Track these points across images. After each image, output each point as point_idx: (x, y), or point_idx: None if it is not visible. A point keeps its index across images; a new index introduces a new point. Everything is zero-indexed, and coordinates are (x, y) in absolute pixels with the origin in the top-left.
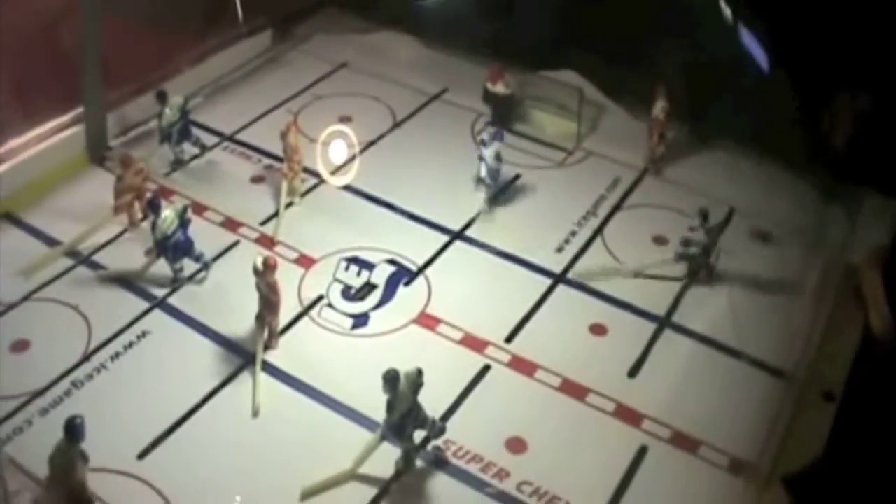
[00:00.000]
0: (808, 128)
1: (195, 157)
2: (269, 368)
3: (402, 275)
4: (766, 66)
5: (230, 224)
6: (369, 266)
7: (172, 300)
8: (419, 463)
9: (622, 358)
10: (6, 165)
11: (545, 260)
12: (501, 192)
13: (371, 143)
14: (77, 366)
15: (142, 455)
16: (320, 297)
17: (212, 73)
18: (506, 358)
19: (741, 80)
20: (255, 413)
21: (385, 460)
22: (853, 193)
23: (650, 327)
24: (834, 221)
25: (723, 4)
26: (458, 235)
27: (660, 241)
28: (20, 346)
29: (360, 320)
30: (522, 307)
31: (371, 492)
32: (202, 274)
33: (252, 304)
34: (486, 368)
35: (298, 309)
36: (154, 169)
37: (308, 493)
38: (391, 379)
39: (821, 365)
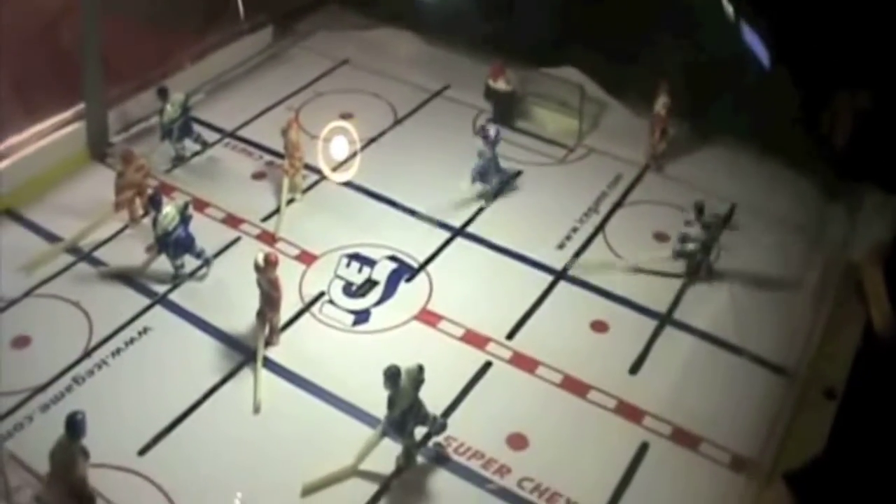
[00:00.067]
0: (808, 124)
1: (196, 153)
2: (270, 365)
3: (404, 271)
4: (767, 63)
5: (231, 220)
6: (370, 262)
7: (173, 296)
8: (420, 459)
9: (623, 355)
10: (7, 162)
11: (546, 257)
12: (502, 188)
13: (372, 140)
14: (78, 362)
15: (143, 451)
16: (321, 294)
17: (213, 69)
18: (507, 354)
19: (742, 77)
20: (256, 409)
21: (386, 457)
22: (854, 190)
23: (651, 324)
24: (835, 218)
25: (724, 2)
26: (460, 232)
27: (661, 237)
28: (21, 342)
29: (362, 317)
30: (524, 304)
31: (372, 488)
32: (203, 270)
33: (253, 301)
34: (488, 365)
35: (299, 305)
36: (155, 165)
37: (309, 490)
38: (392, 375)
39: (822, 362)
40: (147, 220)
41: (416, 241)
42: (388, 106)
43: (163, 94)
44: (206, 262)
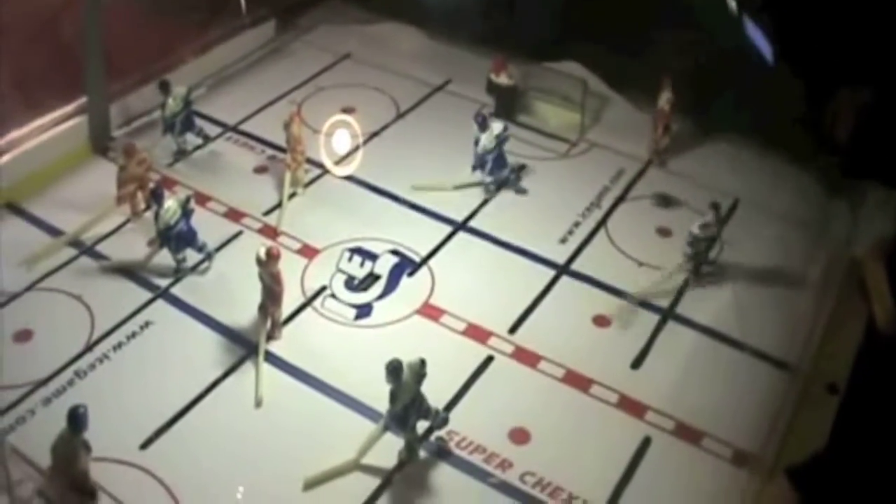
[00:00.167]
0: (811, 120)
1: (198, 147)
2: (271, 359)
3: (406, 265)
4: (769, 58)
5: (233, 214)
6: (373, 257)
7: (175, 290)
8: (422, 453)
9: (626, 349)
10: (8, 156)
11: (548, 251)
12: (506, 182)
13: (374, 134)
14: (80, 356)
15: (144, 445)
16: (323, 288)
17: (215, 63)
18: (509, 349)
19: (745, 72)
20: (258, 403)
21: (388, 451)
22: (857, 186)
23: (654, 319)
24: (838, 214)
25: None
26: (462, 226)
27: (664, 232)
28: (23, 335)
29: (364, 311)
30: (526, 298)
31: (374, 482)
32: (205, 264)
33: (255, 295)
34: (490, 359)
35: (301, 299)
36: (157, 159)
37: (311, 484)
38: (394, 369)
39: (824, 357)
40: (149, 214)
41: (418, 236)
42: (391, 100)
43: (165, 87)
44: (208, 256)
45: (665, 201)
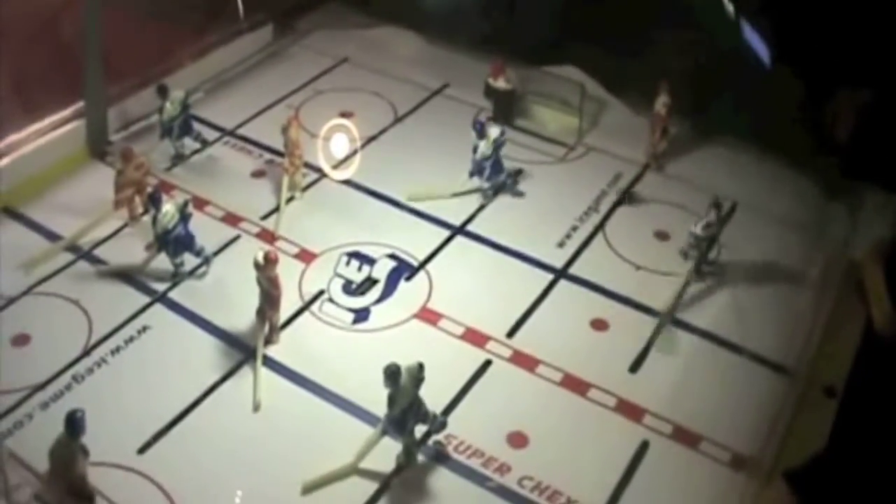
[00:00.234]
0: (810, 123)
1: (196, 151)
2: (269, 363)
3: (404, 269)
4: (768, 61)
5: (231, 219)
6: (370, 261)
7: (173, 295)
8: (420, 458)
9: (623, 353)
10: (6, 160)
11: (546, 255)
12: (503, 186)
13: (372, 138)
14: (78, 360)
15: (142, 449)
16: (321, 292)
17: (213, 67)
18: (507, 353)
19: (743, 75)
20: (256, 408)
21: (386, 455)
22: (855, 189)
23: (652, 322)
24: (836, 217)
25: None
26: (460, 230)
27: (661, 236)
28: (21, 340)
29: (361, 315)
30: (524, 302)
31: (372, 486)
32: (203, 268)
33: (253, 299)
34: (488, 363)
35: (299, 304)
36: (155, 163)
37: (309, 488)
38: (392, 373)
39: (822, 360)
40: (147, 219)
41: (416, 240)
42: (388, 104)
43: (162, 91)
44: (206, 261)
45: (630, 198)
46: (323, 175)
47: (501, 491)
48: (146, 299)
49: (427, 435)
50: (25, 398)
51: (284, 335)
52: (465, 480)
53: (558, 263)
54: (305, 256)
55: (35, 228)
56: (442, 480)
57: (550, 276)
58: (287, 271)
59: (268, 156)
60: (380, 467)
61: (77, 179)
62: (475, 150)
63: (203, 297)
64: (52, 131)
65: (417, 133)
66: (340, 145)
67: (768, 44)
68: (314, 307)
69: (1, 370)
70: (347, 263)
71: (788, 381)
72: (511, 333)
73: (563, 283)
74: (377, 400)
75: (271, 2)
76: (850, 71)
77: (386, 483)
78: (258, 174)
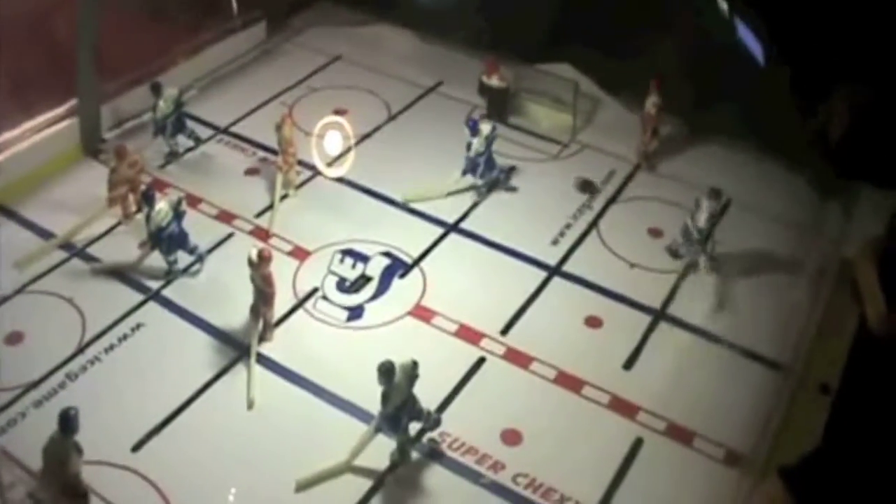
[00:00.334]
0: (804, 122)
1: (189, 149)
2: (263, 361)
3: (397, 267)
4: (762, 59)
5: (225, 216)
6: (364, 258)
7: (167, 292)
8: (414, 455)
9: (617, 350)
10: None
11: (540, 252)
12: (496, 184)
13: (366, 136)
14: (71, 358)
15: (136, 447)
16: (315, 290)
17: (206, 65)
18: (501, 350)
19: (737, 74)
20: (250, 405)
21: (380, 452)
22: (849, 188)
23: (645, 319)
24: (830, 215)
25: None
26: (453, 228)
27: (655, 233)
28: (14, 338)
29: (355, 312)
30: (517, 299)
31: (366, 484)
32: (196, 266)
33: (247, 297)
34: (482, 360)
35: (293, 301)
36: (148, 161)
37: (303, 485)
38: (386, 371)
39: (816, 357)
40: (140, 216)
41: (410, 237)
42: (382, 102)
43: (156, 89)
44: (200, 258)
45: (585, 186)
46: (317, 173)
47: (495, 488)
48: (140, 297)
49: (421, 432)
50: (19, 396)
51: (278, 333)
52: (460, 478)
53: (552, 261)
54: (299, 254)
55: (28, 226)
56: (436, 478)
57: (544, 274)
58: (281, 269)
59: (261, 153)
60: (374, 465)
61: (71, 177)
62: (469, 147)
63: (197, 295)
64: (45, 129)
65: (411, 131)
66: (334, 143)
67: (762, 42)
68: (308, 305)
69: None
70: (341, 261)
71: (782, 377)
72: (505, 331)
73: (556, 280)
74: (371, 397)
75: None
76: (844, 69)
77: (380, 480)
78: (252, 172)
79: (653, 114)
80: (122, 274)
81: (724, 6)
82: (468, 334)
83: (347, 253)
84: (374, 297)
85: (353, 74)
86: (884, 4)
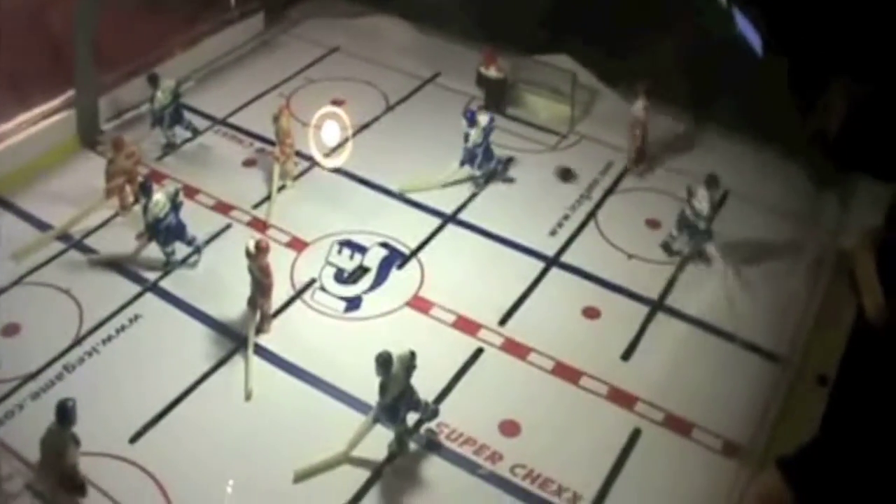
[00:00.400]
0: (802, 113)
1: (187, 140)
2: (261, 352)
3: (395, 258)
4: (760, 50)
5: (222, 207)
6: (362, 249)
7: (164, 284)
8: (412, 446)
9: (615, 341)
10: None
11: (538, 243)
12: (493, 175)
13: (364, 127)
14: (69, 349)
15: (134, 438)
16: (313, 281)
17: (204, 56)
18: (499, 341)
19: (735, 65)
20: (248, 396)
21: (378, 443)
22: (847, 178)
23: (643, 310)
24: (827, 206)
25: None
26: (451, 219)
27: (653, 224)
28: (11, 329)
29: (353, 303)
30: (515, 290)
31: (364, 475)
32: (194, 257)
33: (244, 288)
34: (480, 351)
35: (291, 292)
36: (146, 153)
37: (300, 476)
38: (384, 361)
39: (814, 348)
40: (138, 208)
41: (408, 228)
42: (380, 93)
43: (153, 81)
44: (197, 250)
45: (565, 174)
46: (314, 164)
47: (493, 479)
48: (137, 288)
49: (419, 423)
50: (16, 388)
51: (276, 324)
52: (457, 468)
53: (550, 251)
54: (297, 245)
55: (26, 218)
56: (434, 468)
57: (542, 264)
58: (278, 260)
59: (259, 144)
60: (371, 455)
61: (68, 169)
62: (466, 138)
63: (194, 286)
64: (42, 120)
65: (409, 122)
66: (332, 134)
67: (760, 33)
68: (306, 296)
69: None
70: (339, 252)
71: (780, 368)
72: (503, 321)
73: (554, 271)
74: (369, 388)
75: None
76: (842, 60)
77: (378, 471)
78: (249, 163)
79: (642, 118)
80: (119, 265)
81: None
82: (466, 325)
83: (345, 244)
84: (372, 287)
85: (350, 66)
86: None
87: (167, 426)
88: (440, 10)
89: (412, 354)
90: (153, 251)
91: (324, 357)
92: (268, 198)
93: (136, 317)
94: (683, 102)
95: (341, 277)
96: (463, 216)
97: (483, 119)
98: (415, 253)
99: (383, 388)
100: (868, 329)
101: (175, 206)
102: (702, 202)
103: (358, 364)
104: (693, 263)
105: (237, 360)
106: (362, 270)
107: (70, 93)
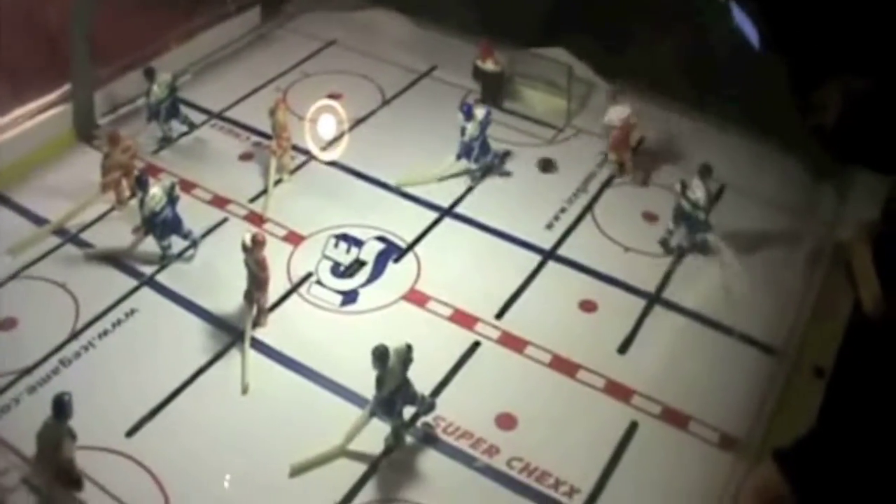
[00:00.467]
0: (799, 105)
1: (183, 134)
2: (257, 345)
3: (392, 251)
4: (757, 43)
5: (218, 201)
6: (358, 243)
7: (161, 278)
8: (409, 439)
9: (612, 334)
10: None
11: (535, 236)
12: (490, 168)
13: (360, 121)
14: (65, 343)
15: (130, 432)
16: (309, 274)
17: (200, 50)
18: (496, 334)
19: (732, 58)
20: (245, 390)
21: (374, 437)
22: (844, 171)
23: (640, 303)
24: (824, 199)
25: None
26: (448, 212)
27: (650, 217)
28: (8, 323)
29: (350, 297)
30: (512, 284)
31: (360, 468)
32: (190, 251)
33: (241, 282)
34: (476, 345)
35: (287, 286)
36: (142, 147)
37: (297, 470)
38: (380, 355)
39: (811, 341)
40: (134, 202)
41: (405, 222)
42: (376, 87)
43: (150, 74)
44: (194, 244)
45: (546, 165)
46: (311, 157)
47: (490, 472)
48: (133, 282)
49: (415, 416)
50: (12, 382)
51: (272, 318)
52: (454, 462)
53: (547, 245)
54: (293, 239)
55: (22, 212)
56: (430, 462)
57: (539, 258)
58: (275, 254)
59: (255, 138)
60: (368, 449)
61: (64, 163)
62: (463, 132)
63: (191, 280)
64: (38, 114)
65: (405, 115)
66: (328, 128)
67: (757, 26)
68: (302, 289)
69: None
70: (336, 245)
71: (777, 361)
72: (500, 315)
73: (551, 264)
74: (366, 382)
75: None
76: (840, 53)
77: (374, 465)
78: (246, 157)
79: (633, 122)
80: (115, 259)
81: None
82: (462, 319)
83: (342, 237)
84: (369, 281)
85: (347, 59)
86: None
87: (163, 420)
88: (437, 3)
89: (409, 348)
90: (150, 245)
91: (320, 351)
92: (264, 191)
93: (133, 311)
94: (680, 96)
95: (338, 271)
96: (459, 210)
97: (480, 112)
98: (411, 246)
99: (380, 382)
100: (865, 321)
101: (171, 199)
102: (697, 192)
103: (354, 358)
104: (690, 256)
105: (234, 354)
106: (359, 264)
107: (66, 87)
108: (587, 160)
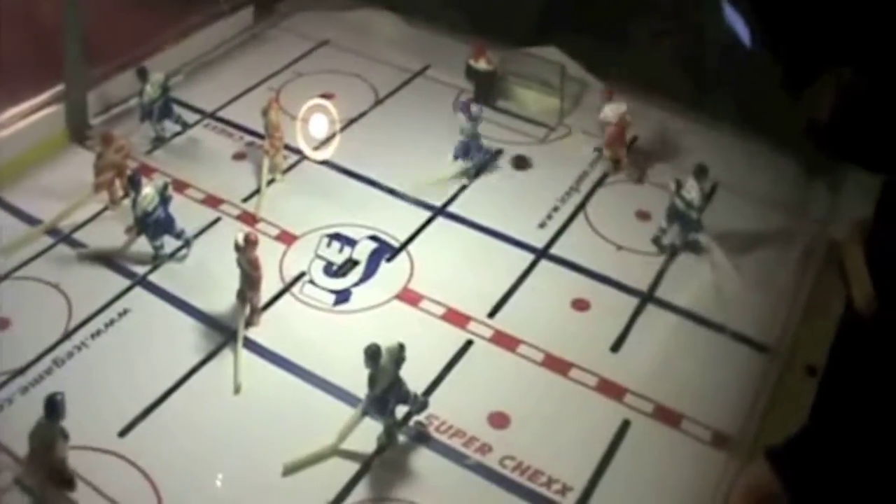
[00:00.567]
0: (792, 103)
1: (176, 134)
2: (250, 345)
3: (384, 251)
4: (750, 41)
5: (211, 201)
6: (351, 242)
7: (153, 277)
8: (401, 438)
9: (605, 333)
10: None
11: (527, 235)
12: (484, 167)
13: (353, 120)
14: (58, 343)
15: (123, 432)
16: (302, 274)
17: (193, 50)
18: (488, 333)
19: (724, 56)
20: (237, 390)
21: (367, 436)
22: (837, 169)
23: (633, 302)
24: (817, 197)
25: None
26: (441, 211)
27: (643, 216)
28: (0, 324)
29: (342, 296)
30: (505, 282)
31: (353, 467)
32: (183, 251)
33: (233, 281)
34: (469, 343)
35: (280, 285)
36: (135, 146)
37: (290, 469)
38: (373, 354)
39: (803, 339)
40: (127, 202)
41: (397, 221)
42: (369, 86)
43: (143, 74)
44: (187, 243)
45: (520, 162)
46: (303, 157)
47: (483, 470)
48: (126, 282)
49: (408, 415)
50: (5, 382)
51: (265, 317)
52: (447, 461)
53: (539, 244)
54: (286, 238)
55: (14, 212)
56: (423, 461)
57: (531, 257)
58: (268, 253)
59: (248, 138)
60: (361, 448)
61: (57, 163)
62: (462, 131)
63: (183, 280)
64: (31, 115)
65: (398, 115)
66: (321, 127)
67: (750, 23)
68: (295, 289)
69: None
70: (328, 245)
71: (769, 359)
72: (492, 314)
73: (544, 263)
74: (358, 381)
75: None
76: (832, 51)
77: (367, 464)
78: (239, 157)
79: (627, 120)
80: (108, 259)
81: None
82: (455, 317)
83: (334, 237)
84: (361, 280)
85: (340, 59)
86: None
87: (156, 420)
88: (429, 2)
89: (401, 347)
90: (142, 245)
91: (313, 350)
92: (257, 191)
93: (126, 311)
94: (673, 94)
95: (330, 270)
96: (452, 209)
97: (474, 110)
98: (404, 246)
99: (372, 381)
100: (857, 320)
101: (164, 199)
102: (691, 192)
103: (347, 357)
104: (683, 255)
105: (226, 354)
106: (352, 263)
107: (59, 87)
108: (580, 159)
